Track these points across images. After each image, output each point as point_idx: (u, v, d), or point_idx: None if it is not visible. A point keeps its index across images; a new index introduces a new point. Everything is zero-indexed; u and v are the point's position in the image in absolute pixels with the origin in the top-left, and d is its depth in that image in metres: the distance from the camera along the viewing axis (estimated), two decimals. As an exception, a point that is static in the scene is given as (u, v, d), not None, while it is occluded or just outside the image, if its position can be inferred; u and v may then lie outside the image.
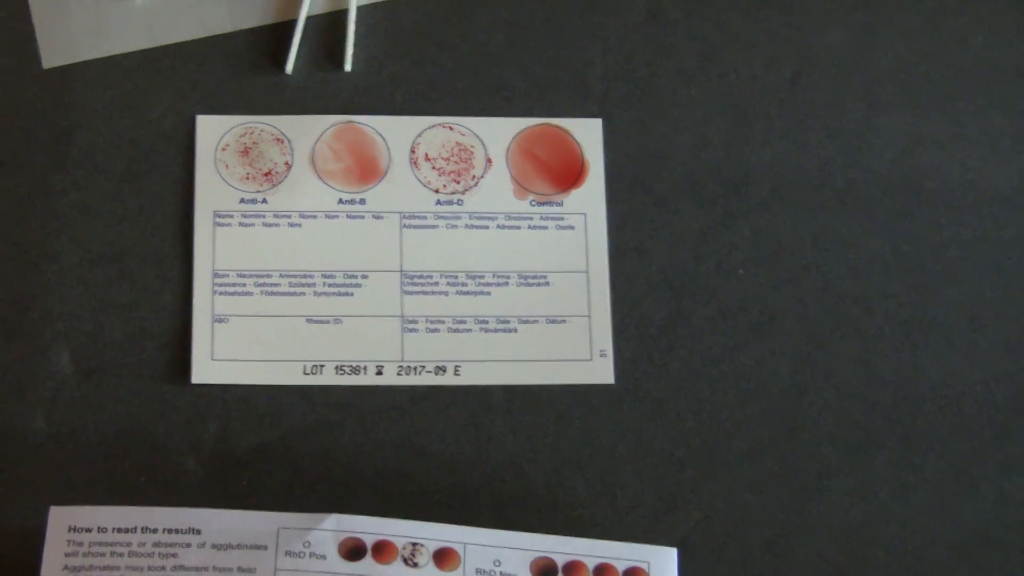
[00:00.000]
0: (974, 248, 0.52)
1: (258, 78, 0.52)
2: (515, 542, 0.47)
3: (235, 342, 0.50)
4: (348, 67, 0.53)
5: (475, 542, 0.47)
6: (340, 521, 0.47)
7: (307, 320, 0.51)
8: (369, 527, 0.47)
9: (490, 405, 0.50)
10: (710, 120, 0.53)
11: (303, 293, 0.51)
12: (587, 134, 0.53)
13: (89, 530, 0.46)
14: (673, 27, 0.54)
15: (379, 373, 0.50)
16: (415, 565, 0.47)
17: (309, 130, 0.52)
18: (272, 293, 0.51)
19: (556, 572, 0.47)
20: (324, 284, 0.51)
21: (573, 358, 0.51)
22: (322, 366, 0.50)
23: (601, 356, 0.51)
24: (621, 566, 0.47)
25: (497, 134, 0.53)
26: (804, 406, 0.51)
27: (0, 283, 0.50)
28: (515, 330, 0.51)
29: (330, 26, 0.53)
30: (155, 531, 0.46)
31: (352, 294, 0.51)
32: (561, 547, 0.47)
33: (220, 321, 0.50)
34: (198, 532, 0.47)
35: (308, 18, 0.53)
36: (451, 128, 0.53)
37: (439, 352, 0.51)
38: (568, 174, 0.52)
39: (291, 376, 0.50)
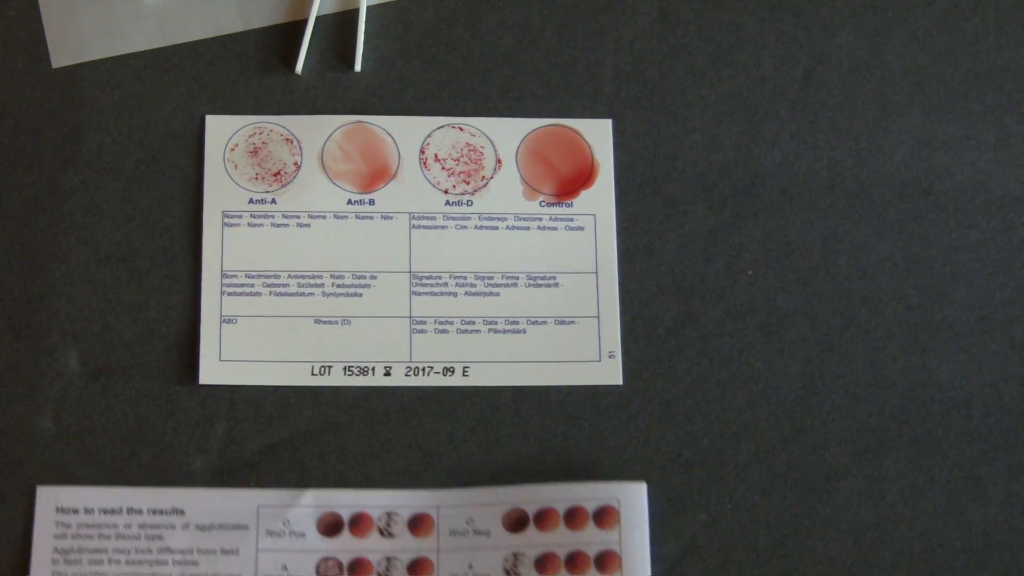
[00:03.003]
0: (984, 250, 0.52)
1: (268, 78, 0.52)
2: (485, 498, 0.49)
3: (243, 343, 0.50)
4: (358, 67, 0.52)
5: (447, 504, 0.49)
6: (318, 496, 0.48)
7: (315, 321, 0.50)
8: (345, 500, 0.48)
9: (498, 406, 0.50)
10: (720, 121, 0.53)
11: (311, 294, 0.51)
12: (597, 135, 0.53)
13: (76, 511, 0.48)
14: (684, 28, 0.54)
15: (387, 374, 0.50)
16: (391, 535, 0.48)
17: (319, 130, 0.52)
18: (280, 294, 0.51)
19: (528, 522, 0.48)
20: (333, 285, 0.51)
21: (582, 359, 0.51)
22: (330, 367, 0.50)
23: (610, 357, 0.51)
24: (591, 506, 0.49)
25: (507, 135, 0.52)
26: (813, 407, 0.51)
27: (8, 283, 0.50)
28: (524, 331, 0.51)
29: (340, 26, 0.53)
30: (140, 512, 0.48)
31: (361, 295, 0.51)
32: (531, 496, 0.49)
33: (228, 322, 0.50)
34: (182, 512, 0.48)
35: (318, 18, 0.53)
36: (461, 129, 0.52)
37: (447, 353, 0.51)
38: (578, 175, 0.52)
39: (299, 377, 0.50)
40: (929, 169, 0.53)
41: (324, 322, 0.50)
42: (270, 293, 0.51)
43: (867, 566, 0.50)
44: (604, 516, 0.48)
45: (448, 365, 0.50)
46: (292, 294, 0.51)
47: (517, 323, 0.51)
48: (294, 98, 0.52)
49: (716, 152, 0.53)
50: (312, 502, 0.48)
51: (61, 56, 0.52)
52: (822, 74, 0.54)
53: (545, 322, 0.51)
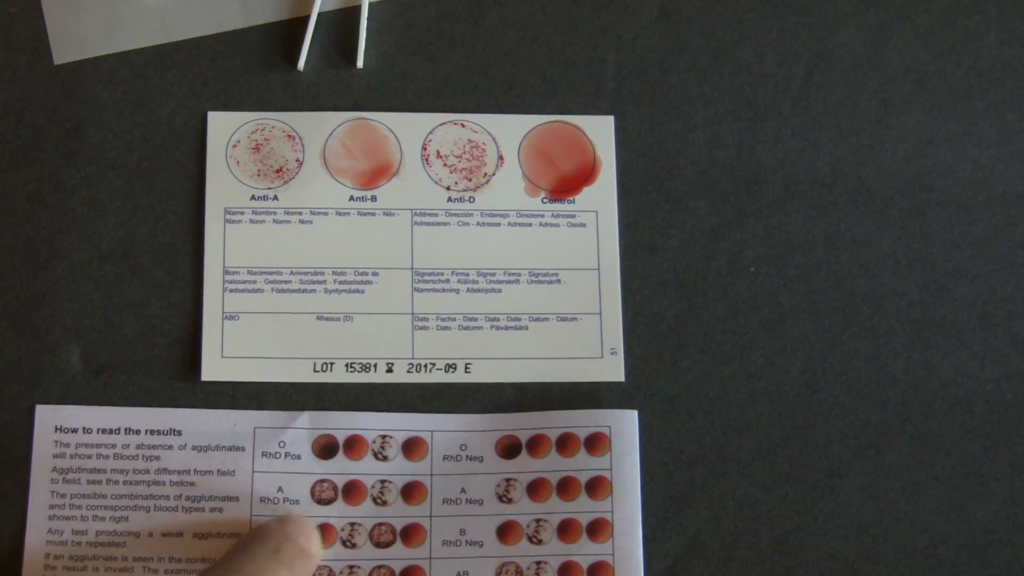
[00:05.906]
0: (986, 246, 0.52)
1: (270, 74, 0.52)
2: (479, 424, 0.50)
3: (245, 339, 0.50)
4: (360, 64, 0.52)
5: (441, 428, 0.49)
6: (313, 418, 0.49)
7: (317, 317, 0.50)
8: (340, 422, 0.49)
9: (501, 403, 0.50)
10: (722, 118, 0.53)
11: (313, 290, 0.51)
12: (599, 131, 0.53)
13: (75, 430, 0.49)
14: (686, 24, 0.54)
15: (389, 370, 0.50)
16: (384, 458, 0.49)
17: (321, 127, 0.52)
18: (283, 290, 0.51)
19: (520, 449, 0.49)
20: (335, 281, 0.51)
21: (584, 356, 0.51)
22: (332, 363, 0.50)
23: (612, 354, 0.51)
24: (583, 433, 0.49)
25: (509, 131, 0.52)
26: (815, 404, 0.51)
27: (10, 280, 0.50)
28: (526, 328, 0.51)
29: (342, 22, 0.53)
30: (138, 432, 0.49)
31: (363, 291, 0.51)
32: (523, 423, 0.49)
33: (230, 318, 0.50)
34: (179, 433, 0.49)
35: (320, 14, 0.53)
36: (463, 125, 0.52)
37: (450, 349, 0.51)
38: (580, 172, 0.52)
39: (301, 373, 0.50)
40: (931, 166, 0.53)
41: (326, 319, 0.50)
42: (272, 290, 0.51)
43: (869, 562, 0.50)
44: (595, 442, 0.49)
45: (450, 361, 0.50)
46: (294, 291, 0.51)
47: (519, 320, 0.51)
48: (296, 95, 0.52)
49: (718, 149, 0.53)
50: (308, 424, 0.49)
51: (63, 52, 0.52)
52: (824, 71, 0.54)
53: (547, 319, 0.51)
